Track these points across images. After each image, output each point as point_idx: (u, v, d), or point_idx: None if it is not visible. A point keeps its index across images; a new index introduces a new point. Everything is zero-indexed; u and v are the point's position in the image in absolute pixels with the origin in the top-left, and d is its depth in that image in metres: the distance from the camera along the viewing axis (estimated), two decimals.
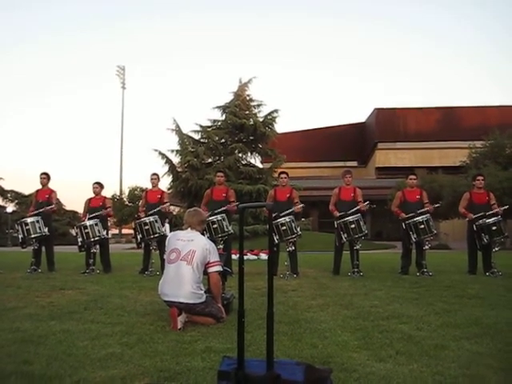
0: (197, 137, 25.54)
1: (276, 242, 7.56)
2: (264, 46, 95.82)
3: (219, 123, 25.42)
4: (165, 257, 4.23)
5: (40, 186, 9.06)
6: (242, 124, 24.09)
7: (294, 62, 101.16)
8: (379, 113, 39.54)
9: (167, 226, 8.80)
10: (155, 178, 9.00)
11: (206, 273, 4.10)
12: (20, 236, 8.48)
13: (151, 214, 8.29)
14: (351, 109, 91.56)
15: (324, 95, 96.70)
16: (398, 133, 38.31)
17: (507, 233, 8.04)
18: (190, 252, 3.97)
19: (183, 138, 24.97)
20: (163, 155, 24.62)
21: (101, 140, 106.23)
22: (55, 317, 4.24)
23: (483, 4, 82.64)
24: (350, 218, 7.67)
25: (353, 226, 7.66)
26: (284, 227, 7.52)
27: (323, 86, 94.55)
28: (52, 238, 9.02)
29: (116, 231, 41.03)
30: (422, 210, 7.90)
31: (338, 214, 7.95)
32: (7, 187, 40.10)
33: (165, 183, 24.79)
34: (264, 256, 12.82)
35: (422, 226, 7.70)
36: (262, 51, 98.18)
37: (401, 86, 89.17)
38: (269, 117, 25.19)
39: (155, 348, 3.15)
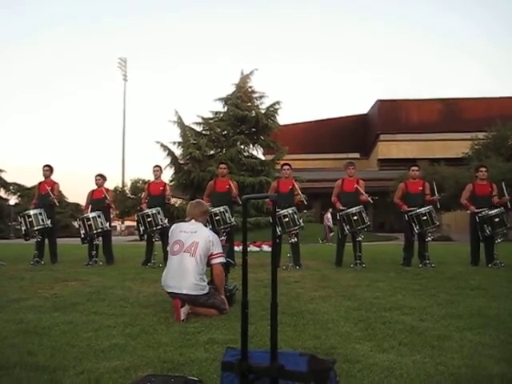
0: (199, 129, 25.50)
1: (278, 233, 7.57)
2: (266, 38, 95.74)
3: (221, 115, 25.35)
4: (168, 248, 4.23)
5: (43, 179, 9.07)
6: (244, 116, 24.02)
7: (296, 54, 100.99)
8: (381, 104, 39.43)
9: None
10: (157, 169, 8.99)
11: (209, 264, 4.11)
12: (23, 228, 8.52)
13: (153, 206, 8.28)
14: (353, 100, 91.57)
15: (326, 87, 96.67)
16: (401, 124, 38.23)
17: (510, 224, 8.03)
18: (194, 244, 3.97)
19: (185, 130, 24.93)
20: (165, 147, 24.60)
21: (103, 132, 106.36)
22: (58, 308, 4.26)
23: (483, 1, 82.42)
24: (352, 210, 7.66)
25: (355, 217, 7.64)
26: (286, 219, 7.51)
27: (325, 78, 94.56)
28: (55, 230, 9.06)
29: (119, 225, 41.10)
30: (430, 199, 7.93)
31: (340, 207, 7.94)
32: (10, 180, 40.21)
33: (167, 175, 24.82)
34: (266, 248, 12.85)
35: (425, 218, 7.69)
36: (265, 43, 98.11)
37: (403, 78, 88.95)
38: (271, 109, 25.11)
39: (158, 339, 3.16)
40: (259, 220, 20.91)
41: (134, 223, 28.68)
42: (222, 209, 7.76)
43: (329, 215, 20.78)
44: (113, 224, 9.70)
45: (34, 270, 7.62)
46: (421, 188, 8.13)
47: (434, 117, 37.97)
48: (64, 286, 5.79)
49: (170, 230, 4.26)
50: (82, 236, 8.44)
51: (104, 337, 3.23)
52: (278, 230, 7.49)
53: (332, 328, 3.46)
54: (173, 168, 24.76)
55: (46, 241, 8.83)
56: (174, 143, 24.73)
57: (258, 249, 12.95)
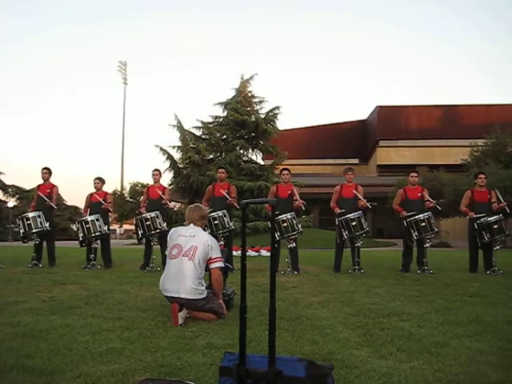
0: (198, 133, 25.50)
1: (277, 238, 7.56)
2: (266, 43, 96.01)
3: (221, 119, 25.36)
4: (166, 252, 4.23)
5: (41, 181, 9.06)
6: (243, 120, 24.03)
7: (296, 59, 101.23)
8: (381, 110, 39.49)
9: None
10: (157, 173, 8.99)
11: (207, 269, 4.10)
12: (21, 231, 8.49)
13: (152, 210, 8.28)
14: (353, 106, 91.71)
15: (326, 92, 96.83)
16: (400, 130, 38.28)
17: (508, 231, 8.03)
18: (192, 248, 3.97)
19: (185, 134, 24.93)
20: (164, 151, 24.59)
21: (102, 135, 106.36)
22: (56, 311, 4.25)
23: (483, 4, 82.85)
24: (351, 215, 7.67)
25: (354, 223, 7.65)
26: (285, 224, 7.51)
27: (325, 83, 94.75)
28: (53, 233, 9.03)
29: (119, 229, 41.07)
30: (428, 206, 7.93)
31: (338, 212, 7.95)
32: (8, 182, 40.23)
33: (166, 179, 24.80)
34: (265, 252, 12.83)
35: (423, 224, 7.70)
36: (264, 48, 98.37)
37: (403, 84, 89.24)
38: (270, 113, 25.13)
39: (156, 343, 3.16)
40: (258, 225, 20.89)
41: (133, 227, 28.69)
42: (220, 213, 7.76)
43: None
44: (112, 227, 9.69)
45: (31, 272, 7.61)
46: (420, 194, 8.14)
47: (433, 123, 38.03)
48: (62, 289, 5.77)
49: (169, 234, 4.26)
50: (81, 239, 8.43)
51: (102, 340, 3.22)
52: (277, 235, 7.48)
53: (330, 334, 3.46)
54: (172, 172, 24.74)
55: (45, 243, 8.81)
56: (174, 147, 24.74)
57: (256, 253, 12.93)
